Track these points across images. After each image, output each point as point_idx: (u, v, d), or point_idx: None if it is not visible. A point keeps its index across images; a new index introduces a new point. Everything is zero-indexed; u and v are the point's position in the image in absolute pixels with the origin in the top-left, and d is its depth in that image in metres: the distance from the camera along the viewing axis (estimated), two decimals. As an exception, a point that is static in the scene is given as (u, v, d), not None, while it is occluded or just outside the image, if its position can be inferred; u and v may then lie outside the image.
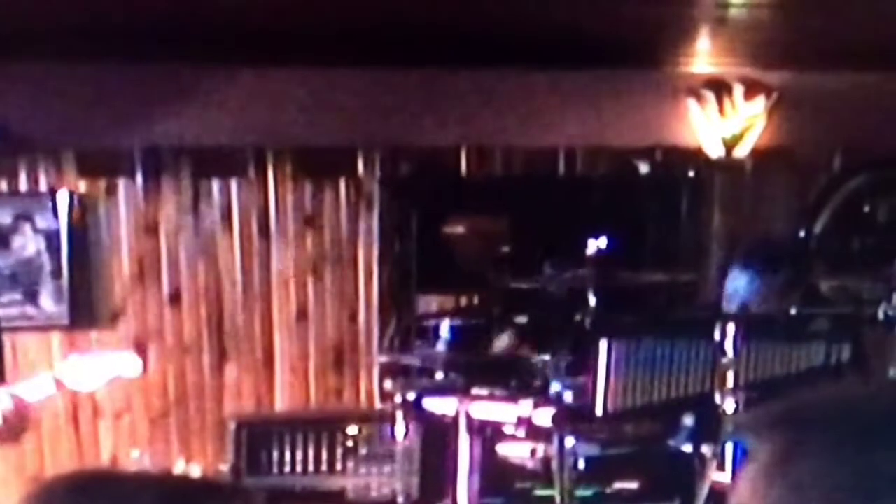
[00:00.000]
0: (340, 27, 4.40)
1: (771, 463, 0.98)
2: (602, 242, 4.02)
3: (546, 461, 3.99)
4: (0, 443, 3.39)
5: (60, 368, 3.20)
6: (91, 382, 3.23)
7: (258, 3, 3.99)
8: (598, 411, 3.98)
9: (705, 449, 3.68)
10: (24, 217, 5.04)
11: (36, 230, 5.06)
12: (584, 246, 4.03)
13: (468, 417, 4.13)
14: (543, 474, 4.04)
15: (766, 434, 1.01)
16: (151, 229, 5.18)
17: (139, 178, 5.15)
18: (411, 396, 4.30)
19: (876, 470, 0.94)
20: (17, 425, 3.16)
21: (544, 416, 3.91)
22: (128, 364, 3.28)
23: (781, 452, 0.98)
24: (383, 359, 5.20)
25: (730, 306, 4.07)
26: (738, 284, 4.12)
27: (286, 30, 4.46)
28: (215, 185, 5.23)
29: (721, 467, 3.57)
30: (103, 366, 3.27)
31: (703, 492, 3.57)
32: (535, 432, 3.98)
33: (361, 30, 4.48)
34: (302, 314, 5.37)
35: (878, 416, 0.99)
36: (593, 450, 4.03)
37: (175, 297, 5.24)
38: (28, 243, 5.06)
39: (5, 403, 3.05)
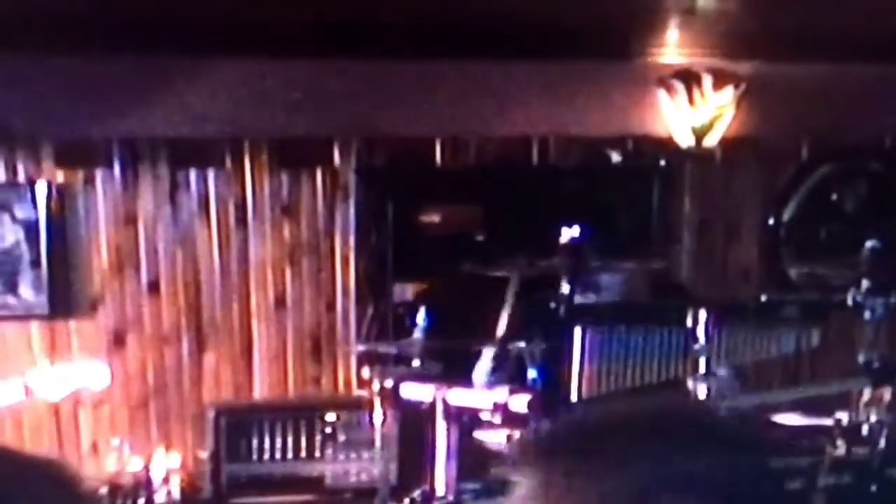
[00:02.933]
0: (317, 19, 4.42)
1: (532, 494, 1.04)
2: (575, 231, 4.03)
3: (522, 447, 4.04)
4: None
5: (30, 376, 3.19)
6: (59, 392, 3.22)
7: None
8: (573, 397, 4.04)
9: None
10: (3, 207, 5.01)
11: (15, 220, 5.03)
12: (558, 234, 4.05)
13: (445, 404, 4.13)
14: (519, 460, 4.08)
15: (527, 467, 1.07)
16: (130, 219, 5.17)
17: (117, 169, 5.13)
18: (389, 384, 4.28)
19: (623, 490, 1.01)
20: None
21: (520, 403, 3.91)
22: (96, 374, 3.26)
23: (541, 482, 1.04)
24: (361, 347, 5.19)
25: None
26: None
27: (263, 21, 4.47)
28: (192, 175, 5.21)
29: None
30: (72, 375, 3.25)
31: None
32: (511, 418, 3.97)
33: (338, 22, 4.48)
34: (280, 303, 5.36)
35: (622, 439, 1.06)
36: (568, 435, 4.07)
37: (154, 287, 5.22)
38: (7, 233, 5.03)
39: None
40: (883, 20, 4.32)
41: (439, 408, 4.15)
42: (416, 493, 4.30)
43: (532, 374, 4.01)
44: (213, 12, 4.29)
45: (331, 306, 5.41)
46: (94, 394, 5.12)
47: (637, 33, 4.98)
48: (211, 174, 5.22)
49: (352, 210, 5.37)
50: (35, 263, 5.05)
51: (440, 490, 4.21)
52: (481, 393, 4.07)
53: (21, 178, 5.05)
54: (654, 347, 4.02)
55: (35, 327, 5.02)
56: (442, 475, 4.18)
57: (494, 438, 4.13)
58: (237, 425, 4.97)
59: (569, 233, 4.03)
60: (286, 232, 5.33)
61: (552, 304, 4.11)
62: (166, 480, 4.97)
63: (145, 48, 4.82)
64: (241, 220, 5.28)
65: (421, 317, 4.40)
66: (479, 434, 4.18)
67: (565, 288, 4.06)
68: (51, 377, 3.19)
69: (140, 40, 4.70)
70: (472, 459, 4.27)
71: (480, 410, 4.06)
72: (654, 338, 4.02)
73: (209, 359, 5.30)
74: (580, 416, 1.27)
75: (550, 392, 4.01)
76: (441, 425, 4.15)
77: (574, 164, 5.56)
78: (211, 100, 5.14)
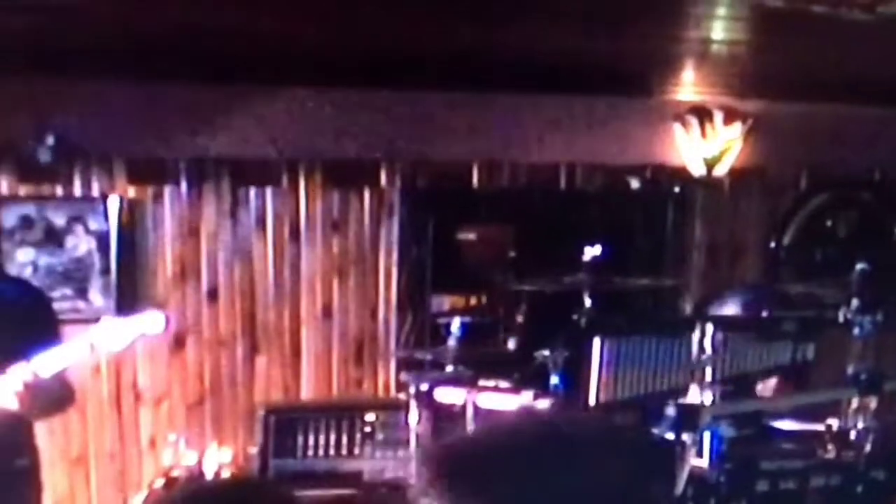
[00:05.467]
0: (367, 52, 4.45)
1: None
2: (597, 250, 4.11)
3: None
4: (45, 414, 3.37)
5: (93, 331, 3.18)
6: (121, 342, 3.18)
7: (294, 34, 4.03)
8: (592, 402, 4.03)
9: (686, 437, 3.59)
10: (78, 219, 5.13)
11: (88, 231, 5.14)
12: (581, 253, 4.12)
13: (475, 406, 4.20)
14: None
15: (428, 493, 1.07)
16: (193, 232, 5.27)
17: (183, 186, 5.23)
18: (424, 387, 4.37)
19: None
20: (44, 394, 3.17)
21: (543, 406, 4.00)
22: (153, 321, 3.20)
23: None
24: (400, 353, 5.30)
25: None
26: None
27: (318, 55, 4.51)
28: (252, 193, 5.32)
29: (699, 454, 3.59)
30: (131, 325, 3.20)
31: (684, 475, 3.52)
32: None
33: (386, 55, 4.53)
34: (327, 311, 5.46)
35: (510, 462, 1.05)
36: (586, 437, 4.15)
37: (212, 294, 5.34)
38: (80, 243, 5.14)
39: (25, 374, 3.08)
40: (877, 69, 4.34)
41: (469, 410, 4.20)
42: None
43: (554, 380, 4.03)
44: (274, 48, 4.32)
45: (373, 315, 5.49)
46: (155, 392, 5.26)
47: (656, 73, 5.00)
48: (268, 192, 5.32)
49: (395, 227, 5.44)
50: (105, 271, 5.15)
51: None
52: (508, 397, 4.13)
53: (95, 192, 5.13)
54: (665, 357, 3.98)
55: None
56: None
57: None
58: (285, 423, 5.04)
59: (591, 251, 4.10)
60: (335, 246, 5.42)
61: (574, 317, 4.13)
62: (218, 474, 4.96)
63: (213, 78, 4.94)
64: (295, 235, 5.35)
65: (455, 326, 4.46)
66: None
67: (587, 301, 4.10)
68: (112, 329, 3.17)
69: (208, 71, 4.80)
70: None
71: (508, 413, 4.08)
72: (665, 348, 3.99)
73: (261, 362, 5.41)
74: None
75: (571, 397, 4.02)
76: (471, 426, 4.19)
77: (598, 189, 5.62)
78: (270, 124, 5.23)
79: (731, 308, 4.26)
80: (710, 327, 3.78)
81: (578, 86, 5.15)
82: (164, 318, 3.22)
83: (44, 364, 3.11)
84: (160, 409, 5.34)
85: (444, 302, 5.49)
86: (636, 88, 5.30)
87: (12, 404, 3.12)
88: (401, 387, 4.94)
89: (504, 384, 4.30)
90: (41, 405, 3.20)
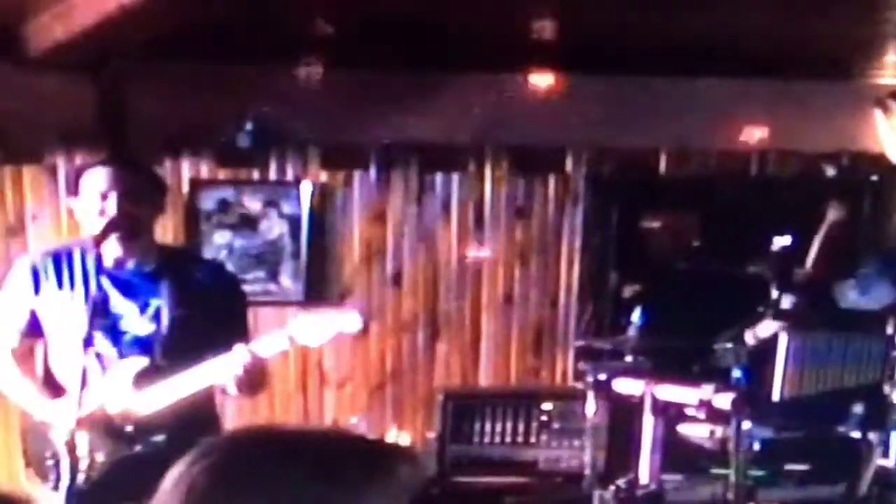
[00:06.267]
0: (559, 38, 4.42)
1: None
2: (786, 240, 4.04)
3: (723, 442, 4.02)
4: (246, 393, 3.40)
5: (292, 325, 3.18)
6: (318, 337, 3.17)
7: (482, 18, 4.05)
8: (775, 397, 3.99)
9: (872, 436, 3.65)
10: (272, 203, 5.22)
11: (281, 215, 5.22)
12: (769, 242, 4.05)
13: (653, 398, 4.19)
14: (720, 454, 4.07)
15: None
16: (380, 217, 5.32)
17: (372, 171, 5.29)
18: (602, 377, 4.36)
19: None
20: (256, 378, 3.23)
21: (724, 400, 3.95)
22: (350, 320, 3.18)
23: None
24: (579, 342, 5.27)
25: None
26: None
27: (508, 40, 4.50)
28: (438, 179, 5.34)
29: (886, 454, 3.55)
30: (329, 322, 3.18)
31: (868, 476, 3.53)
32: (714, 415, 4.01)
33: (574, 41, 4.51)
34: (508, 298, 5.45)
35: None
36: (768, 433, 4.04)
37: (396, 280, 5.38)
38: (274, 227, 5.23)
39: (246, 358, 3.15)
40: None
41: (647, 402, 4.21)
42: (622, 481, 4.33)
43: (736, 373, 3.98)
44: (462, 33, 4.34)
45: (554, 303, 5.47)
46: (339, 375, 5.36)
47: (856, 55, 4.83)
48: (455, 178, 5.34)
49: (579, 214, 5.40)
50: (295, 255, 5.25)
51: (644, 479, 4.25)
52: (688, 389, 4.09)
53: (289, 177, 5.23)
54: (854, 353, 3.92)
55: (290, 313, 5.06)
56: (646, 465, 4.22)
57: (698, 433, 4.17)
58: (463, 410, 5.07)
59: (780, 241, 4.04)
60: (518, 233, 5.40)
61: (759, 308, 4.07)
62: (422, 461, 4.91)
63: (401, 65, 4.98)
64: (479, 221, 5.36)
65: (636, 316, 4.43)
66: (683, 428, 4.20)
67: (773, 293, 4.03)
68: (311, 325, 3.17)
69: (398, 58, 4.84)
70: (675, 452, 4.28)
71: (686, 406, 4.09)
72: (855, 343, 3.93)
73: (441, 348, 5.45)
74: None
75: (753, 392, 3.98)
76: (648, 418, 4.21)
77: (790, 176, 5.46)
78: (459, 111, 5.22)
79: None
80: (903, 323, 3.58)
81: (775, 69, 5.02)
82: (361, 318, 3.24)
83: (249, 352, 3.18)
84: (343, 392, 5.44)
85: (626, 291, 5.38)
86: (835, 72, 5.12)
87: (230, 387, 3.23)
88: (579, 376, 4.90)
89: (683, 376, 4.22)
90: (245, 389, 3.27)
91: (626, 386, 4.34)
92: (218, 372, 3.21)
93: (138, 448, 3.29)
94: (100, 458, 3.30)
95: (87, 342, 3.16)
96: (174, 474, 1.04)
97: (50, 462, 3.35)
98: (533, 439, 5.09)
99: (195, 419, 3.27)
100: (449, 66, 5.07)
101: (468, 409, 5.09)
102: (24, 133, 5.07)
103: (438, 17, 3.89)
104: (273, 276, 5.29)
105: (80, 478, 3.17)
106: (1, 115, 4.99)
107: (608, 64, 4.98)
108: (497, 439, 5.09)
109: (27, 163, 5.19)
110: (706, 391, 4.03)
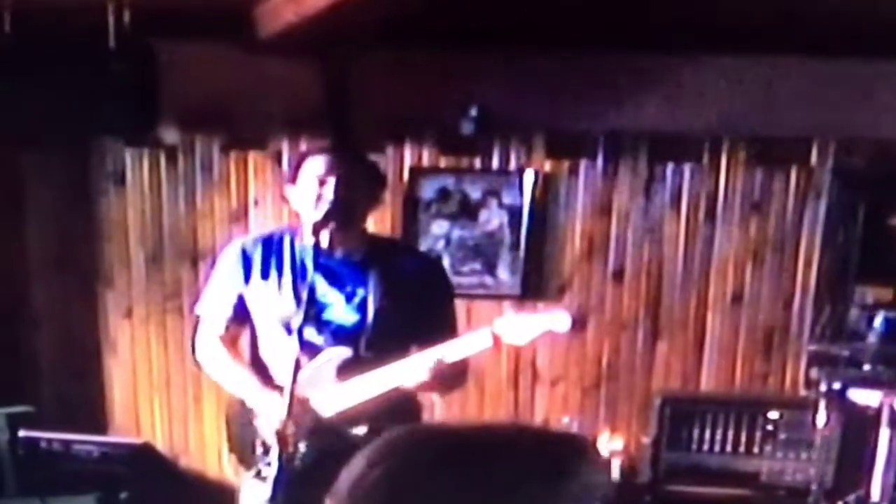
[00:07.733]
0: (792, 16, 4.21)
1: None
2: None
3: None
4: (441, 391, 3.43)
5: (498, 324, 3.13)
6: (524, 336, 3.12)
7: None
8: None
9: None
10: (493, 193, 5.10)
11: (501, 205, 5.11)
12: None
13: (891, 411, 4.04)
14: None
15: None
16: (604, 209, 5.14)
17: (599, 161, 5.10)
18: (836, 386, 4.18)
19: None
20: (451, 378, 3.22)
21: None
22: (558, 320, 3.12)
23: None
24: (812, 347, 4.96)
25: None
26: None
27: (750, 22, 4.30)
28: (669, 169, 5.09)
29: None
30: (536, 322, 3.13)
31: None
32: None
33: (814, 19, 4.27)
34: (737, 298, 5.20)
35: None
36: None
37: (618, 275, 5.20)
38: (493, 217, 5.12)
39: (452, 357, 3.13)
40: None
41: (885, 414, 4.05)
42: (851, 498, 4.16)
43: None
44: (697, 14, 4.17)
45: (787, 304, 5.19)
46: (552, 373, 5.25)
47: None
48: (686, 169, 5.08)
49: (822, 209, 5.08)
50: (514, 247, 5.12)
51: (875, 496, 4.08)
52: None
53: (512, 165, 5.08)
54: None
55: (506, 307, 4.98)
56: (879, 482, 4.05)
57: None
58: (681, 415, 4.90)
59: None
60: (752, 228, 5.14)
61: None
62: (607, 462, 4.89)
63: (632, 48, 4.80)
64: (710, 215, 5.12)
65: (878, 321, 4.28)
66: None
67: None
68: (517, 323, 3.13)
69: (627, 40, 4.68)
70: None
71: None
72: None
73: (661, 347, 5.25)
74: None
75: None
76: (885, 432, 4.04)
77: None
78: (695, 97, 4.99)
79: None
80: None
81: None
82: (571, 318, 3.15)
83: (450, 351, 3.15)
84: (556, 391, 5.31)
85: (868, 294, 5.09)
86: None
87: (421, 386, 3.21)
88: (810, 384, 4.70)
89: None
90: (440, 387, 3.28)
91: (862, 396, 4.17)
92: (416, 370, 3.17)
93: (340, 439, 3.21)
94: (302, 448, 3.25)
95: (299, 331, 3.10)
96: (352, 474, 1.09)
97: (259, 451, 3.34)
98: (756, 449, 4.89)
99: (396, 412, 3.21)
100: (683, 50, 4.88)
101: (687, 414, 4.92)
102: (250, 118, 5.09)
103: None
104: (490, 268, 5.19)
105: (288, 468, 3.10)
106: (228, 98, 5.03)
107: (858, 46, 4.69)
108: (717, 448, 4.91)
109: (252, 148, 5.19)
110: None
